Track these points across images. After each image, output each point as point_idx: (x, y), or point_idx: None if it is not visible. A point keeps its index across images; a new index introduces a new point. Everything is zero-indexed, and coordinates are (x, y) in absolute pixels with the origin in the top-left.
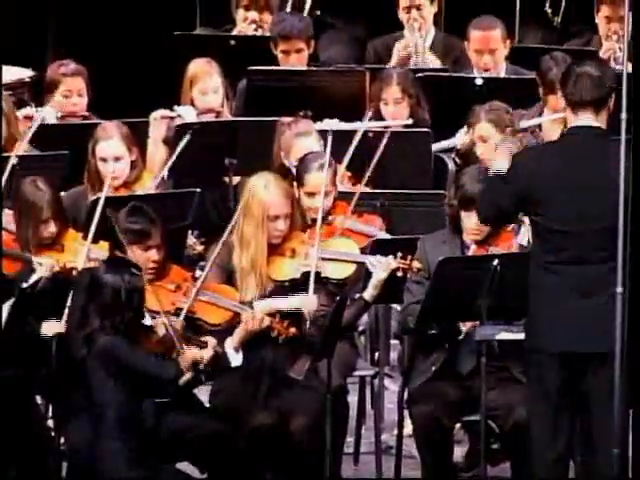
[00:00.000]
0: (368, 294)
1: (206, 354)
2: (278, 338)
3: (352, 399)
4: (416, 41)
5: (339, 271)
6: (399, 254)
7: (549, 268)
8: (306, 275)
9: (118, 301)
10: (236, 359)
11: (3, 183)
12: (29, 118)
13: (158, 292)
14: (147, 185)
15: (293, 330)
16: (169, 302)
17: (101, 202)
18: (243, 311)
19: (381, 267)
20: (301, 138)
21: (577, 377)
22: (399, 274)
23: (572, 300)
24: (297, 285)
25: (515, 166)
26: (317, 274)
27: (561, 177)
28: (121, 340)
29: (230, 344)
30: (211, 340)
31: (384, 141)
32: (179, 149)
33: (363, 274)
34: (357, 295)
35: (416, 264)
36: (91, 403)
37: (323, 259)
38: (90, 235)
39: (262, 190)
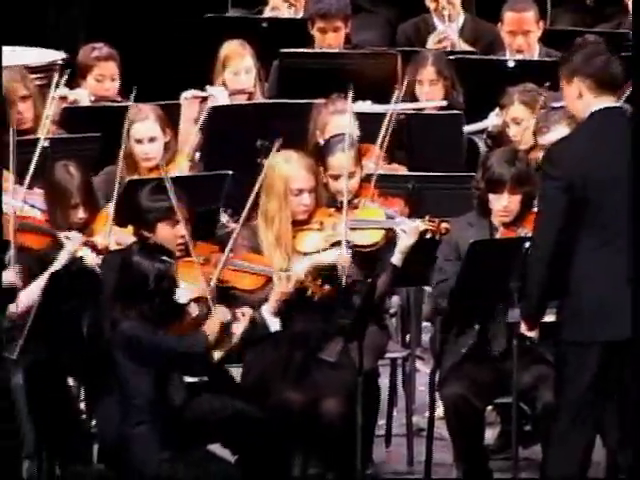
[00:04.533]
0: (396, 259)
1: (242, 324)
2: (311, 310)
3: (383, 381)
4: (447, 30)
5: (367, 237)
6: (427, 217)
7: (597, 256)
8: (335, 244)
9: (146, 286)
10: (274, 324)
11: (33, 165)
12: (64, 99)
13: (187, 267)
14: (181, 167)
15: (327, 287)
16: (199, 276)
17: (116, 184)
18: (276, 274)
19: (409, 230)
20: (336, 116)
21: (613, 364)
22: (428, 236)
23: (619, 288)
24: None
25: (560, 159)
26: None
27: (608, 163)
28: (144, 325)
29: (266, 309)
30: (247, 310)
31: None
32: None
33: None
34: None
35: (445, 225)
36: (120, 385)
37: (351, 229)
38: (111, 217)
39: (283, 165)
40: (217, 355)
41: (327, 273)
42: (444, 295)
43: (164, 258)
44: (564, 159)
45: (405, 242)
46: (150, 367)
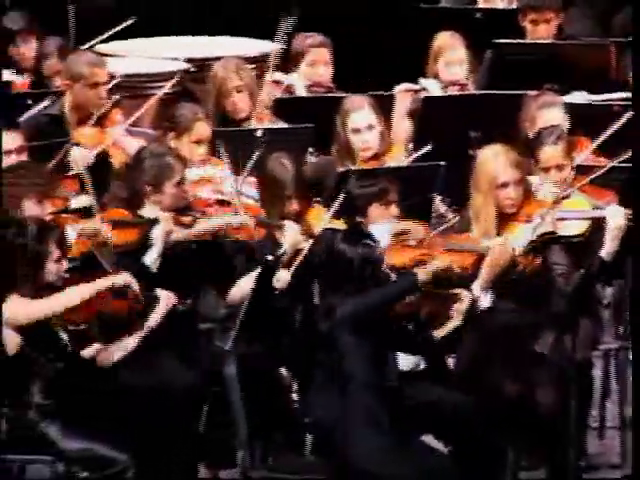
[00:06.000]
0: (605, 252)
1: (463, 305)
2: (521, 285)
3: (596, 373)
4: None
5: (575, 227)
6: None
7: None
8: (543, 235)
9: (350, 271)
10: (486, 300)
11: (253, 161)
12: (277, 83)
13: (400, 249)
14: (396, 158)
15: (538, 261)
16: (410, 257)
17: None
18: (488, 248)
19: (619, 215)
20: (545, 110)
21: None
22: None
23: None
24: (535, 248)
25: None
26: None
27: None
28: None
29: (478, 285)
30: (463, 292)
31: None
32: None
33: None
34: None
35: None
36: (336, 375)
37: (558, 219)
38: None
39: (489, 160)
40: (438, 334)
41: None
42: None
43: (368, 242)
44: None
45: (615, 225)
46: (375, 336)
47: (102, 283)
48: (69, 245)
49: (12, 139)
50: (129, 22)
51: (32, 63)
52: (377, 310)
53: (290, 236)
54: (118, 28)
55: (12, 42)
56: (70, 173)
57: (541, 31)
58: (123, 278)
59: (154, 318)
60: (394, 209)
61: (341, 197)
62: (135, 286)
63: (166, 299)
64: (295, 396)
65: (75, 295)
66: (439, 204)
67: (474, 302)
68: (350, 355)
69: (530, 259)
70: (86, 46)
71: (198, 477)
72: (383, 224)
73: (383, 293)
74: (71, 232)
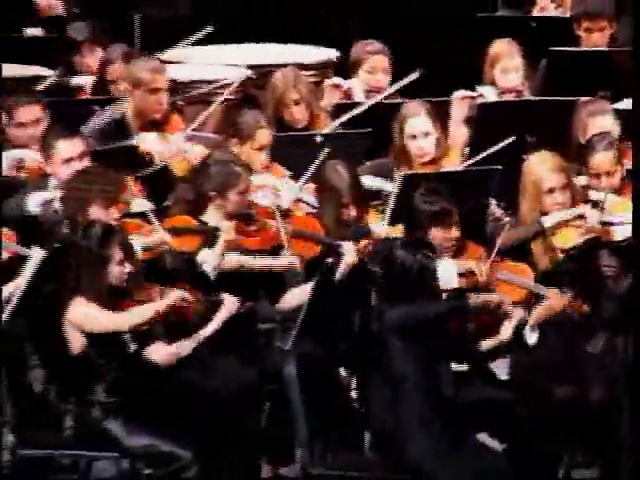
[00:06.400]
0: None
1: (513, 323)
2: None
3: None
4: None
5: (621, 231)
6: None
7: None
8: (590, 240)
9: (407, 277)
10: (533, 338)
11: (314, 167)
12: (336, 86)
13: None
14: (453, 162)
15: (585, 308)
16: (468, 281)
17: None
18: (545, 291)
19: None
20: (597, 117)
21: None
22: None
23: None
24: (583, 251)
25: None
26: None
27: None
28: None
29: (528, 324)
30: (515, 310)
31: None
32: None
33: None
34: None
35: None
36: (390, 373)
37: (605, 224)
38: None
39: (535, 166)
40: (485, 345)
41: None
42: None
43: (426, 253)
44: None
45: None
46: (421, 345)
47: (160, 305)
48: (133, 249)
49: (73, 146)
50: (207, 30)
51: (97, 74)
52: (424, 322)
53: (348, 257)
54: (196, 37)
55: (77, 52)
56: (132, 176)
57: (595, 39)
58: (177, 295)
59: (217, 320)
60: (455, 232)
61: (392, 201)
62: (190, 298)
63: (230, 302)
64: (354, 395)
65: (138, 317)
66: (495, 208)
67: (522, 324)
68: (399, 358)
69: (579, 305)
70: (158, 55)
71: (260, 474)
72: (449, 263)
73: (432, 309)
74: (136, 243)
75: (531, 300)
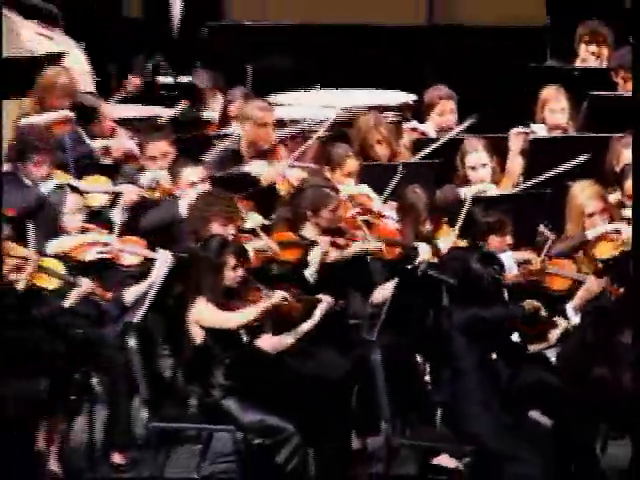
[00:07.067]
0: None
1: (558, 330)
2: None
3: None
4: None
5: None
6: None
7: None
8: (625, 252)
9: (478, 286)
10: (576, 319)
11: (391, 187)
12: (414, 130)
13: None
14: (507, 188)
15: (620, 291)
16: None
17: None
18: (585, 278)
19: None
20: (628, 149)
21: None
22: None
23: None
24: (617, 260)
25: None
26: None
27: None
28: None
29: (571, 307)
30: (560, 320)
31: None
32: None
33: None
34: None
35: None
36: (455, 363)
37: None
38: (456, 228)
39: (577, 193)
40: (533, 348)
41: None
42: None
43: (496, 267)
44: None
45: None
46: (483, 340)
47: (266, 305)
48: (244, 256)
49: (197, 172)
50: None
51: (220, 112)
52: (486, 324)
53: (423, 254)
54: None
55: (202, 95)
56: (242, 196)
57: (630, 86)
58: (279, 296)
59: (315, 317)
60: (509, 238)
61: (462, 217)
62: (290, 298)
63: (326, 301)
64: (427, 378)
65: (248, 316)
66: (543, 228)
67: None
68: (461, 351)
69: (616, 288)
70: (267, 97)
71: (350, 444)
72: (508, 254)
73: (495, 313)
74: (249, 246)
75: (575, 288)
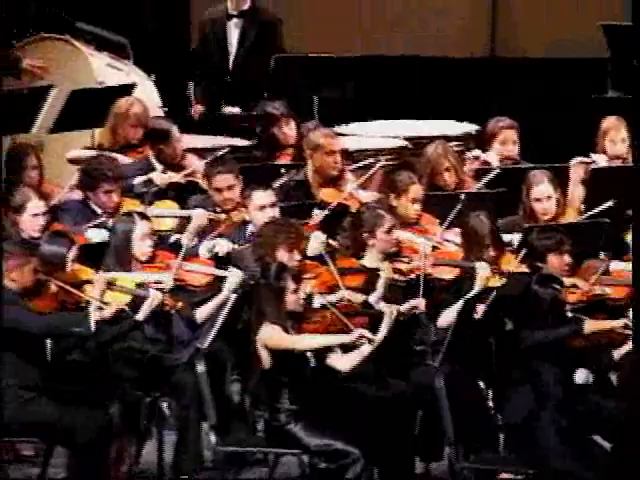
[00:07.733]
0: None
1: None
2: None
3: None
4: None
5: None
6: None
7: None
8: None
9: (540, 308)
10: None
11: (452, 216)
12: (476, 158)
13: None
14: (570, 218)
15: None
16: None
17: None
18: None
19: None
20: None
21: None
22: None
23: None
24: None
25: None
26: None
27: None
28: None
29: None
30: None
31: None
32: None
33: None
34: None
35: None
36: (532, 384)
37: None
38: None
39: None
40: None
41: None
42: None
43: (556, 286)
44: None
45: None
46: (551, 360)
47: (342, 339)
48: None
49: (268, 196)
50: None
51: (294, 141)
52: (554, 342)
53: (483, 273)
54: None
55: (275, 124)
56: (310, 224)
57: None
58: (358, 334)
59: (384, 329)
60: (567, 258)
61: (521, 246)
62: (368, 335)
63: (389, 311)
64: (490, 404)
65: (319, 341)
66: (601, 255)
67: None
68: (541, 373)
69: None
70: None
71: (414, 469)
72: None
73: (559, 332)
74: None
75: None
